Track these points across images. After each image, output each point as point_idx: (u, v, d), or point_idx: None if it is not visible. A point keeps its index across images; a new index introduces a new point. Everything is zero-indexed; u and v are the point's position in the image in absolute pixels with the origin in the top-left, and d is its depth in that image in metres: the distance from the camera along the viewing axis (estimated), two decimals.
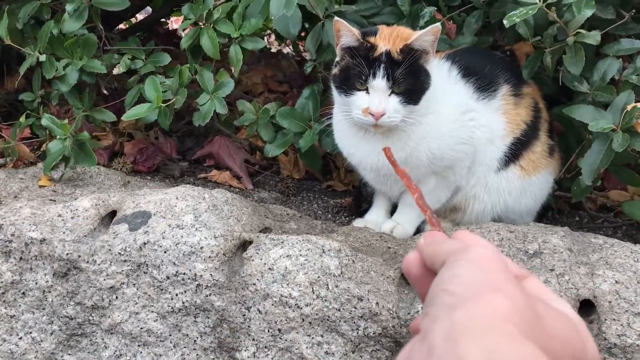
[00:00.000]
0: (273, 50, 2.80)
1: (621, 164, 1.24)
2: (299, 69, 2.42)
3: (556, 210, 1.55)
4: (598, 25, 1.20)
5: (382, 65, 1.12)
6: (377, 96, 1.13)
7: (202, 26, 1.29)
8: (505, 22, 1.07)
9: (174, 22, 2.98)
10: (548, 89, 1.43)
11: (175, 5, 2.15)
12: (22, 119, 1.38)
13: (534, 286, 0.48)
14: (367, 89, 1.14)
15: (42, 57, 1.29)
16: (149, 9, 2.31)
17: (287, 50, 2.85)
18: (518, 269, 0.49)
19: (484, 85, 1.27)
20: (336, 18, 1.13)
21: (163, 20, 2.46)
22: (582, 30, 1.12)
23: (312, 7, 1.30)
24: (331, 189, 1.65)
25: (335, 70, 1.19)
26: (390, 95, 1.14)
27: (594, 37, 1.11)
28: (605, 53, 1.21)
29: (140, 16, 2.41)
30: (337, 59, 1.19)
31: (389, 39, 1.15)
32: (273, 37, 2.80)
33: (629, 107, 1.15)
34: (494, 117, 1.27)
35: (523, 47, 1.54)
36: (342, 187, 1.65)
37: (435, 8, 1.46)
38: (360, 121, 1.16)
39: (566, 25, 1.12)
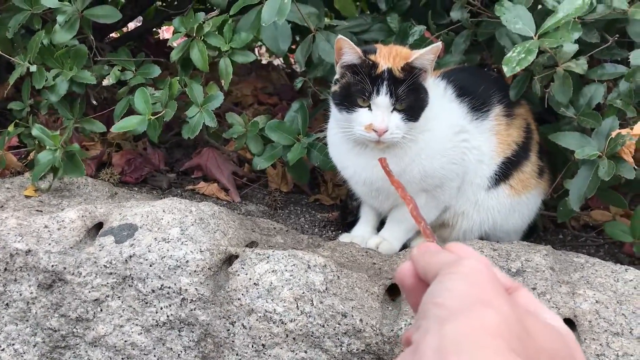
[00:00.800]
0: (264, 61, 2.81)
1: (606, 187, 1.26)
2: (289, 82, 2.44)
3: (541, 228, 1.56)
4: (583, 49, 1.22)
5: (385, 83, 1.14)
6: (380, 113, 1.15)
7: (192, 39, 1.30)
8: (504, 68, 1.08)
9: (165, 31, 2.99)
10: (535, 107, 1.45)
11: (166, 16, 2.16)
12: (11, 128, 1.38)
13: (524, 298, 0.49)
14: (369, 106, 1.16)
15: (33, 68, 1.29)
16: (140, 17, 2.32)
17: (277, 62, 2.87)
18: (509, 282, 0.50)
19: (478, 106, 1.29)
20: (340, 36, 1.15)
21: (154, 30, 2.47)
22: (571, 63, 1.14)
23: (303, 20, 1.32)
24: (319, 203, 1.66)
25: (335, 88, 1.21)
26: (392, 112, 1.16)
27: (581, 66, 1.14)
28: (590, 77, 1.23)
29: (132, 24, 2.42)
30: (337, 76, 1.21)
31: (389, 57, 1.18)
32: (264, 48, 2.82)
33: (613, 134, 1.17)
34: (486, 138, 1.29)
35: None
36: (330, 201, 1.66)
37: (425, 27, 1.48)
38: (363, 137, 1.17)
39: (555, 54, 1.14)
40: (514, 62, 1.05)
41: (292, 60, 2.55)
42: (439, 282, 0.46)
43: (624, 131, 1.18)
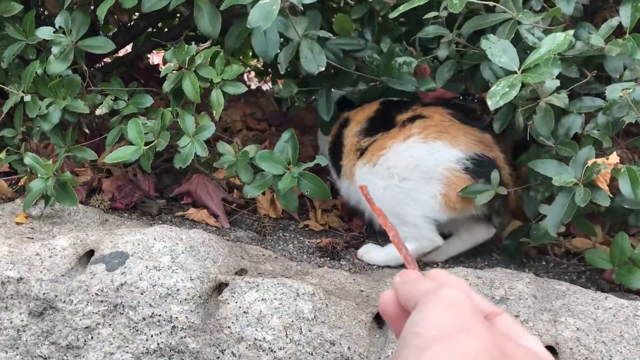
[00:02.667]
0: (253, 87, 2.85)
1: (581, 214, 1.30)
2: (278, 107, 2.47)
3: (524, 255, 1.60)
4: (563, 83, 1.27)
5: None
6: None
7: (184, 70, 1.33)
8: (488, 102, 1.12)
9: (155, 55, 3.02)
10: (518, 136, 1.49)
11: (157, 43, 2.19)
12: (3, 154, 1.40)
13: (505, 324, 0.49)
14: None
15: (27, 98, 1.31)
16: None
17: (266, 87, 2.90)
18: (490, 307, 0.50)
19: None
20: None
21: (144, 55, 2.50)
22: (552, 97, 1.19)
23: (292, 25, 1.35)
24: (308, 229, 1.69)
25: None
26: None
27: (562, 100, 1.18)
28: (569, 110, 1.28)
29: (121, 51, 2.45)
30: None
31: None
32: (253, 73, 2.86)
33: (589, 163, 1.21)
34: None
35: None
36: (319, 227, 1.69)
37: (411, 49, 1.53)
38: None
39: (537, 88, 1.19)
40: (497, 96, 1.09)
41: (281, 85, 2.59)
42: (418, 310, 0.47)
43: (599, 160, 1.23)
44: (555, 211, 1.21)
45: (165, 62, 2.71)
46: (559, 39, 1.11)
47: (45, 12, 1.89)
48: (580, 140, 1.34)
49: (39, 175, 1.25)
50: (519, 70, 1.15)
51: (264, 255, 1.42)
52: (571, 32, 1.12)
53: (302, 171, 1.37)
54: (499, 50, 1.17)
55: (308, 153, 1.94)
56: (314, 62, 1.33)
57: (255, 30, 1.31)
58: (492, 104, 1.09)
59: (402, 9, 1.11)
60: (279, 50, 1.36)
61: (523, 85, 1.18)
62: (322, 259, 1.52)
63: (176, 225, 1.58)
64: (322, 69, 1.35)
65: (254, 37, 1.33)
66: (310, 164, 1.39)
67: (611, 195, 1.22)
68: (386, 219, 0.61)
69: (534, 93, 1.25)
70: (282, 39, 1.43)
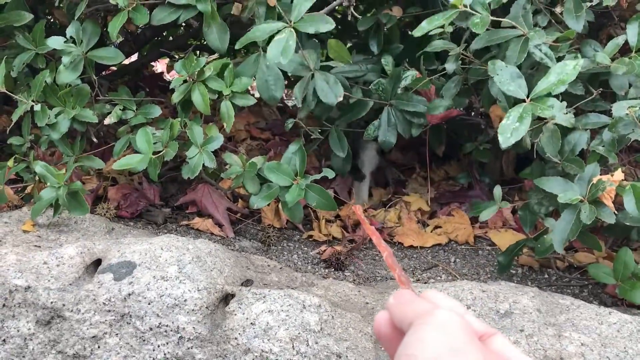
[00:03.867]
0: (256, 95, 2.86)
1: (586, 230, 1.31)
2: (280, 117, 2.49)
3: (527, 268, 1.61)
4: (568, 101, 1.28)
5: None
6: None
7: (193, 82, 1.34)
8: (500, 138, 1.11)
9: (159, 63, 3.04)
10: (522, 150, 1.51)
11: (161, 51, 2.20)
12: (11, 162, 1.40)
13: (499, 345, 0.49)
14: None
15: (37, 107, 1.32)
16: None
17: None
18: (484, 327, 0.50)
19: None
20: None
21: (149, 63, 2.52)
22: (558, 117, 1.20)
23: (304, 59, 1.37)
24: (312, 239, 1.69)
25: None
26: None
27: (568, 120, 1.19)
28: (575, 126, 1.29)
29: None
30: None
31: None
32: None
33: (595, 180, 1.22)
34: None
35: (497, 110, 1.63)
36: (323, 237, 1.69)
37: (416, 72, 1.54)
38: None
39: None
40: (508, 132, 1.10)
41: (284, 95, 2.60)
42: (412, 333, 0.46)
43: (604, 177, 1.24)
44: (561, 228, 1.22)
45: (169, 70, 2.74)
46: (569, 68, 1.12)
47: (51, 19, 1.90)
48: (586, 155, 1.36)
49: (50, 184, 1.26)
50: (527, 98, 1.16)
51: (269, 265, 1.43)
52: (581, 61, 1.13)
53: (309, 183, 1.38)
54: (507, 78, 1.18)
55: (312, 163, 1.95)
56: (331, 92, 1.35)
57: (259, 71, 1.33)
58: (503, 140, 1.10)
59: (426, 31, 1.11)
60: (285, 90, 1.38)
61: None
62: (326, 270, 1.52)
63: (181, 234, 1.59)
64: (341, 98, 1.38)
65: (257, 80, 1.36)
66: (318, 176, 1.40)
67: (616, 212, 1.23)
68: (380, 239, 0.60)
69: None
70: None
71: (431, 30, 1.11)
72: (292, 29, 1.22)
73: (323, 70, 1.44)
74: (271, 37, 1.22)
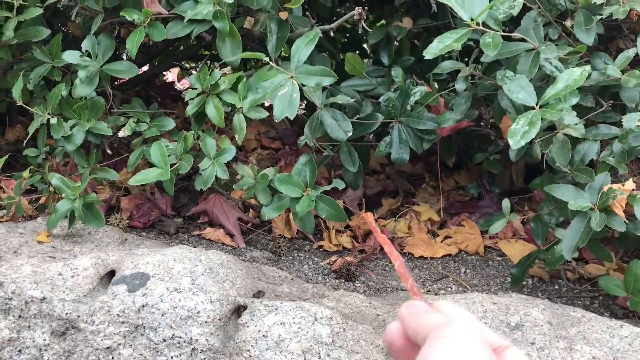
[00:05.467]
0: (266, 103, 2.88)
1: (596, 238, 1.31)
2: (290, 126, 2.50)
3: (537, 279, 1.61)
4: (579, 112, 1.28)
5: None
6: None
7: (207, 95, 1.35)
8: (510, 141, 1.12)
9: (170, 72, 3.07)
10: (532, 160, 1.51)
11: (172, 61, 2.23)
12: (26, 174, 1.43)
13: (513, 357, 0.49)
14: None
15: (53, 120, 1.34)
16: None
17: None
18: (499, 340, 0.50)
19: None
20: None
21: (161, 73, 2.54)
22: (568, 127, 1.20)
23: (311, 97, 1.39)
24: (322, 249, 1.70)
25: None
26: None
27: (579, 131, 1.20)
28: (585, 137, 1.30)
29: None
30: None
31: None
32: None
33: (605, 188, 1.23)
34: None
35: (508, 121, 1.63)
36: (333, 247, 1.70)
37: (425, 87, 1.55)
38: None
39: (555, 120, 1.21)
40: (518, 135, 1.11)
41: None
42: (428, 346, 0.46)
43: (615, 186, 1.25)
44: (570, 235, 1.23)
45: (180, 79, 2.76)
46: (576, 74, 1.13)
47: (64, 30, 1.92)
48: (596, 166, 1.36)
49: (65, 196, 1.28)
50: (537, 105, 1.16)
51: (280, 276, 1.44)
52: (588, 67, 1.14)
53: (320, 194, 1.39)
54: (516, 87, 1.19)
55: (322, 173, 1.97)
56: (340, 129, 1.37)
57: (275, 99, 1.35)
58: (513, 143, 1.11)
59: (438, 52, 1.12)
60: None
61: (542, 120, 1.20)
62: (337, 281, 1.53)
63: (193, 244, 1.61)
64: (350, 134, 1.39)
65: (274, 104, 1.37)
66: (328, 187, 1.41)
67: (626, 221, 1.23)
68: (392, 248, 0.59)
69: (551, 123, 1.27)
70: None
71: (442, 51, 1.11)
72: (294, 81, 1.24)
73: (333, 86, 1.45)
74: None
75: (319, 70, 1.26)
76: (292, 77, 1.26)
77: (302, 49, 1.27)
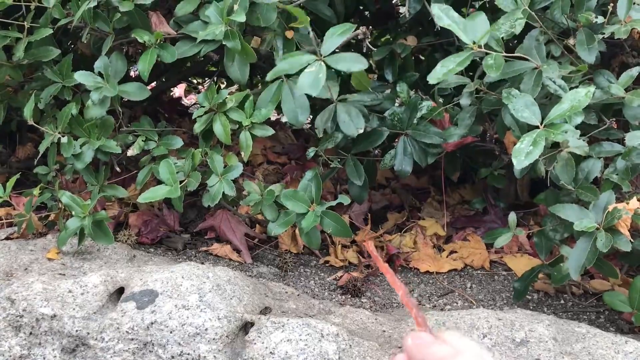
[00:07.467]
0: (272, 118, 2.91)
1: (601, 257, 1.32)
2: (296, 140, 2.52)
3: (542, 294, 1.62)
4: (582, 130, 1.30)
5: None
6: None
7: (215, 113, 1.38)
8: (514, 160, 1.13)
9: (177, 88, 3.10)
10: (536, 175, 1.52)
11: (180, 78, 2.26)
12: (36, 191, 1.45)
13: None
14: None
15: (64, 139, 1.37)
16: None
17: (284, 119, 2.96)
18: None
19: None
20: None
21: (168, 89, 2.57)
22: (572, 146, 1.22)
23: (327, 90, 1.40)
24: (328, 264, 1.72)
25: None
26: None
27: (582, 148, 1.21)
28: (588, 154, 1.31)
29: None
30: None
31: None
32: None
33: (610, 208, 1.24)
34: None
35: (512, 137, 1.65)
36: (339, 263, 1.72)
37: (431, 102, 1.57)
38: None
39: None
40: (522, 155, 1.12)
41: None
42: None
43: (620, 205, 1.25)
44: (577, 255, 1.24)
45: (187, 94, 2.79)
46: (581, 94, 1.14)
47: (73, 48, 1.95)
48: (599, 183, 1.37)
49: (75, 213, 1.30)
50: (541, 125, 1.18)
51: (286, 292, 1.45)
52: (592, 88, 1.15)
53: (325, 210, 1.41)
54: (521, 105, 1.20)
55: (328, 188, 1.98)
56: (352, 125, 1.38)
57: (284, 98, 1.35)
58: (517, 162, 1.12)
59: (442, 76, 1.14)
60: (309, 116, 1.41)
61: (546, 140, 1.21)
62: (343, 297, 1.54)
63: (200, 260, 1.62)
64: (361, 131, 1.40)
65: (284, 104, 1.38)
66: (333, 203, 1.43)
67: (632, 240, 1.24)
68: (394, 277, 0.59)
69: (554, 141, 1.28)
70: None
71: (446, 75, 1.13)
72: (322, 63, 1.22)
73: (341, 101, 1.47)
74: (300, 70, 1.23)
75: (348, 56, 1.24)
76: (321, 58, 1.23)
77: (335, 36, 1.24)
